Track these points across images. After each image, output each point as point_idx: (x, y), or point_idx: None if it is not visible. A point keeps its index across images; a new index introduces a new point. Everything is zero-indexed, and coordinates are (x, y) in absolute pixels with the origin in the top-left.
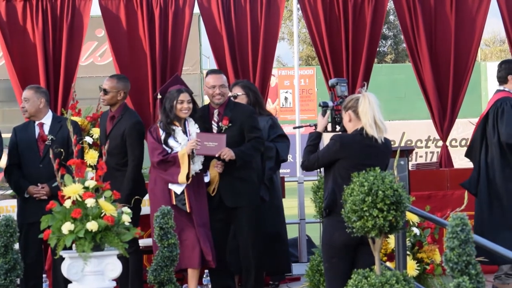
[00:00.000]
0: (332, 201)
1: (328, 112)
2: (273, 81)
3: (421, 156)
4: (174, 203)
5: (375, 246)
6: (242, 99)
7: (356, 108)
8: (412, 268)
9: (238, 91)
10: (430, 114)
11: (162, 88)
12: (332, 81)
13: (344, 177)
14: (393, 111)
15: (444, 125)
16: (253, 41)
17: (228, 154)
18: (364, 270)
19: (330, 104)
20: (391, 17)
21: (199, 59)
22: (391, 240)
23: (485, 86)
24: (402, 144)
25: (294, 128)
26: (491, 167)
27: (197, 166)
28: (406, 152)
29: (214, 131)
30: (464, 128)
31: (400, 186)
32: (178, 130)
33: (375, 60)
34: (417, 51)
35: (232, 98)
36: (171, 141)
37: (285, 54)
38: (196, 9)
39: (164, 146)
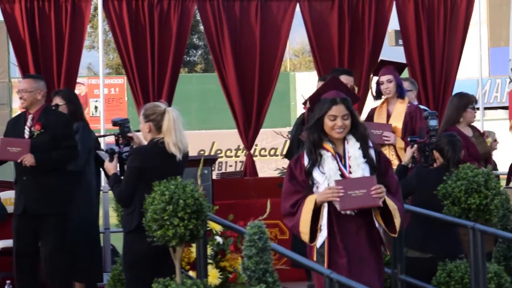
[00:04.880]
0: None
1: (115, 158)
2: (82, 90)
3: (230, 166)
4: (315, 259)
5: (176, 255)
6: (63, 108)
7: (159, 123)
8: (215, 277)
9: (58, 101)
10: (235, 123)
11: (313, 94)
12: (114, 120)
13: (148, 189)
14: (203, 120)
15: (249, 134)
16: (57, 49)
17: (29, 160)
18: (165, 279)
19: (116, 149)
20: (202, 27)
21: (7, 67)
22: (194, 249)
23: (294, 96)
24: (212, 153)
25: (99, 137)
26: None
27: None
28: (210, 161)
29: (26, 135)
30: (273, 138)
31: (201, 195)
32: (327, 156)
33: (186, 69)
34: (222, 61)
35: (53, 107)
36: (316, 173)
37: (97, 63)
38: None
39: (308, 181)
